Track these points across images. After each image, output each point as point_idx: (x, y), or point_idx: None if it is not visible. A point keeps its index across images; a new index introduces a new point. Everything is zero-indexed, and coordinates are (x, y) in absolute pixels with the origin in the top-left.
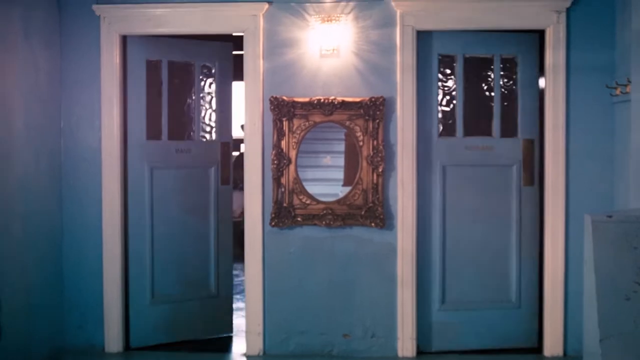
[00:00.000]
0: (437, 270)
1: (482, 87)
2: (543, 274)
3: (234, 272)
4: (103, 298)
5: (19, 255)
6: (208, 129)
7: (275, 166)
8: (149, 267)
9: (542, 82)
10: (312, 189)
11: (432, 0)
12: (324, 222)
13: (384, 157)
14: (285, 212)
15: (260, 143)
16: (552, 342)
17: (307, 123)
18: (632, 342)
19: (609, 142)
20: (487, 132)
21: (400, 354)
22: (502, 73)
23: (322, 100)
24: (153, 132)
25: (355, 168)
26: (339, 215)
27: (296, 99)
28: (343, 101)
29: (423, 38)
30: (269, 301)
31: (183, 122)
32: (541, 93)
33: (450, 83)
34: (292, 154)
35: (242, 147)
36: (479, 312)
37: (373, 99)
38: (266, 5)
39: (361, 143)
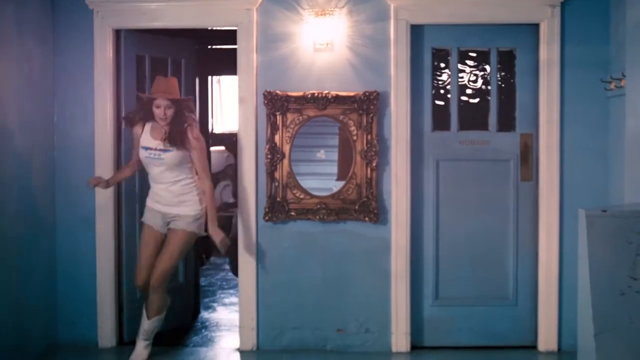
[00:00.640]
0: (430, 265)
1: (478, 81)
2: (538, 269)
3: (227, 267)
4: (96, 293)
5: (12, 251)
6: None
7: (269, 160)
8: None
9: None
10: (306, 183)
11: None
12: (317, 217)
13: (377, 152)
14: (279, 207)
15: (254, 137)
16: (547, 337)
17: (300, 117)
18: (627, 336)
19: (603, 137)
20: (483, 126)
21: (394, 349)
22: (499, 66)
23: (316, 95)
24: None
25: (349, 162)
26: (333, 210)
27: (290, 94)
28: (337, 95)
29: (417, 32)
30: (262, 296)
31: None
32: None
33: (444, 77)
34: (286, 148)
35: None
36: (473, 308)
37: (367, 93)
38: None
39: (355, 137)
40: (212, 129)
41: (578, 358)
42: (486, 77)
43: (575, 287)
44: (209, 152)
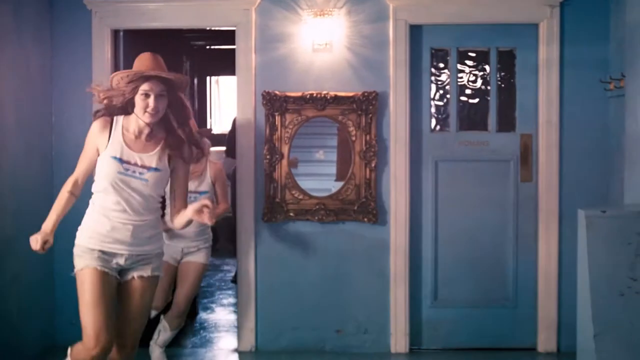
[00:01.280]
0: (429, 266)
1: (478, 81)
2: (537, 270)
3: (227, 268)
4: None
5: (10, 252)
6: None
7: (267, 161)
8: None
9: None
10: (304, 183)
11: None
12: (316, 217)
13: (376, 152)
14: (277, 207)
15: (253, 138)
16: (546, 338)
17: (299, 118)
18: (626, 337)
19: (603, 137)
20: (483, 127)
21: (393, 350)
22: (498, 66)
23: (314, 95)
24: None
25: (348, 163)
26: (332, 211)
27: (289, 94)
28: (336, 96)
29: (416, 32)
30: (261, 297)
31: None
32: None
33: (444, 77)
34: (285, 148)
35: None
36: (472, 309)
37: (366, 94)
38: (258, 0)
39: (354, 138)
40: (211, 129)
41: (577, 359)
42: (485, 77)
43: (575, 288)
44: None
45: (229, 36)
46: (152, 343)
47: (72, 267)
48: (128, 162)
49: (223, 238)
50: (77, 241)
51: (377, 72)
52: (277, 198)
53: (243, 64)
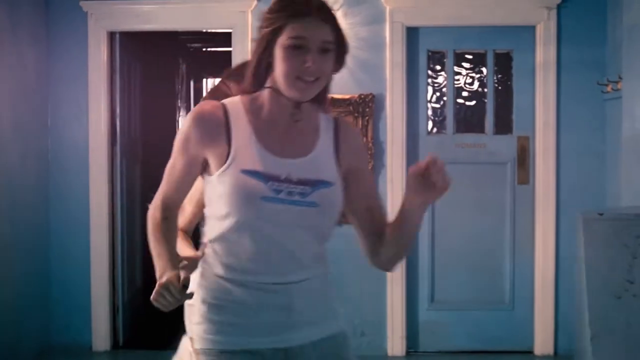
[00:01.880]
0: (426, 269)
1: (474, 83)
2: (534, 273)
3: None
4: (90, 296)
5: (6, 253)
6: None
7: None
8: (138, 265)
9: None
10: None
11: None
12: None
13: (373, 155)
14: None
15: None
16: (543, 341)
17: None
18: (623, 340)
19: (600, 140)
20: (480, 129)
21: (389, 352)
22: (495, 68)
23: None
24: None
25: None
26: None
27: None
28: (332, 98)
29: (413, 34)
30: None
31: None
32: None
33: (440, 79)
34: None
35: None
36: (469, 312)
37: (362, 96)
38: (255, 2)
39: None
40: None
41: None
42: (482, 80)
43: (572, 290)
44: None
45: (225, 38)
46: None
47: (67, 270)
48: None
49: None
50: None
51: (374, 75)
52: None
53: None
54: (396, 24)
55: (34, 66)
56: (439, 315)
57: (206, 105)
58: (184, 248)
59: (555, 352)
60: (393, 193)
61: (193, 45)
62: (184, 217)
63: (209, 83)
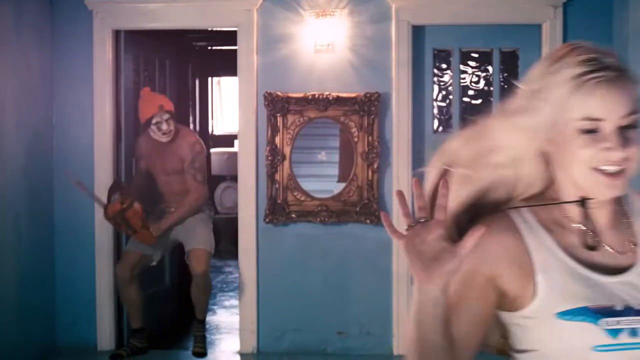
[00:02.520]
0: None
1: (480, 82)
2: None
3: (228, 269)
4: (96, 295)
5: (11, 253)
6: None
7: (269, 162)
8: None
9: None
10: (306, 185)
11: None
12: (318, 219)
13: (379, 153)
14: (279, 209)
15: (254, 139)
16: None
17: (301, 119)
18: None
19: None
20: None
21: (395, 351)
22: (501, 67)
23: (316, 96)
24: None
25: (350, 164)
26: (334, 212)
27: (290, 95)
28: (338, 97)
29: (418, 33)
30: (263, 299)
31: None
32: None
33: (446, 78)
34: (287, 150)
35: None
36: None
37: (368, 95)
38: (260, 0)
39: (356, 139)
40: (212, 131)
41: None
42: (488, 78)
43: None
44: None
45: (230, 37)
46: None
47: (72, 270)
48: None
49: (225, 240)
50: None
51: (380, 73)
52: (279, 199)
53: (245, 65)
54: (402, 22)
55: (39, 65)
56: None
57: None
58: None
59: None
60: None
61: (199, 43)
62: None
63: (214, 81)
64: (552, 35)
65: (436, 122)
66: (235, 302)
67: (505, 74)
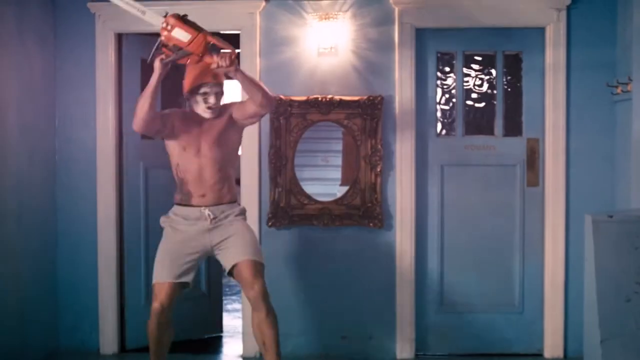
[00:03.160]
0: (435, 271)
1: (484, 85)
2: (544, 275)
3: None
4: (98, 299)
5: (13, 256)
6: None
7: (272, 165)
8: (144, 268)
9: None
10: (309, 188)
11: None
12: (321, 223)
13: (382, 157)
14: (282, 212)
15: (257, 142)
16: (553, 343)
17: (304, 122)
18: (633, 343)
19: (610, 142)
20: (489, 131)
21: (398, 356)
22: (504, 70)
23: (319, 99)
24: None
25: (353, 167)
26: (337, 216)
27: (293, 98)
28: (341, 100)
29: (422, 36)
30: None
31: None
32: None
33: (449, 81)
34: (290, 153)
35: None
36: (479, 315)
37: (371, 98)
38: (263, 3)
39: (359, 142)
40: None
41: None
42: (492, 81)
43: (582, 293)
44: None
45: (233, 40)
46: None
47: (75, 273)
48: None
49: None
50: None
51: (383, 76)
52: (282, 203)
53: (248, 68)
54: (405, 25)
55: (42, 68)
56: (448, 318)
57: None
58: None
59: (565, 355)
60: (402, 194)
61: None
62: None
63: None
64: (555, 38)
65: (439, 126)
66: (238, 305)
67: (509, 77)
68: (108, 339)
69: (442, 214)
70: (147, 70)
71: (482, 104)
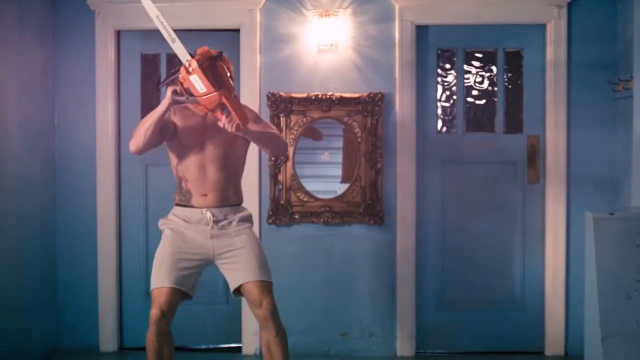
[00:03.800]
0: (436, 269)
1: (484, 82)
2: (544, 273)
3: None
4: (98, 297)
5: (13, 255)
6: None
7: (272, 163)
8: (143, 266)
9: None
10: (309, 186)
11: None
12: (321, 220)
13: (382, 154)
14: (282, 210)
15: None
16: (553, 341)
17: (304, 119)
18: (634, 341)
19: (611, 139)
20: (490, 128)
21: (399, 353)
22: (505, 67)
23: (319, 96)
24: None
25: (353, 165)
26: (337, 213)
27: (294, 95)
28: (341, 97)
29: (422, 33)
30: None
31: None
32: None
33: (450, 78)
34: (290, 150)
35: None
36: (479, 312)
37: (371, 95)
38: (263, 0)
39: (359, 139)
40: None
41: None
42: (492, 78)
43: (583, 291)
44: None
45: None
46: None
47: (74, 271)
48: None
49: None
50: None
51: (383, 73)
52: (282, 200)
53: (248, 65)
54: (406, 22)
55: (41, 65)
56: (448, 315)
57: None
58: None
59: (566, 353)
60: (403, 191)
61: None
62: None
63: None
64: (556, 35)
65: (440, 123)
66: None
67: (510, 74)
68: (107, 337)
69: (442, 211)
70: (147, 67)
71: (483, 101)
